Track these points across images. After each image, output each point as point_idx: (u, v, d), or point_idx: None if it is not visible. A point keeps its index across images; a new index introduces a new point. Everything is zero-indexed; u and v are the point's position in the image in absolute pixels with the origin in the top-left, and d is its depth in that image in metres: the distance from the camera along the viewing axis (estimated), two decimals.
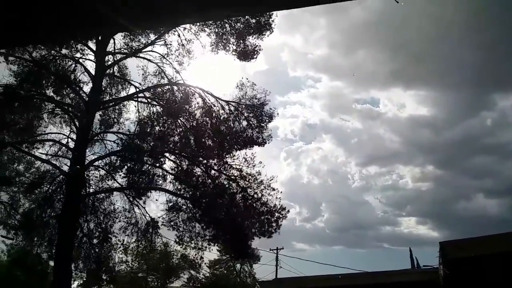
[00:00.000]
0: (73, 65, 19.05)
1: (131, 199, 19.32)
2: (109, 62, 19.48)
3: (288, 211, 18.19)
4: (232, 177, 18.25)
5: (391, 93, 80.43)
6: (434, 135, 77.41)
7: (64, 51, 18.69)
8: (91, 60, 19.22)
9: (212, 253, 22.49)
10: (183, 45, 19.28)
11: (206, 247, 18.57)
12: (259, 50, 19.07)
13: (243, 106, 18.52)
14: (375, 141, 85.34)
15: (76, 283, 22.09)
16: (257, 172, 18.06)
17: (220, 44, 18.83)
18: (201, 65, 20.91)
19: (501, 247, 7.41)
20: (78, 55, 19.04)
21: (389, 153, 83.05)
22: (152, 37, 19.24)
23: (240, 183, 18.17)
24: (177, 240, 18.62)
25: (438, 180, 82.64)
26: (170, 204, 18.34)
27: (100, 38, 18.29)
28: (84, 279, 21.75)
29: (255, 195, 17.90)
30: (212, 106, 18.60)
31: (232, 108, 18.62)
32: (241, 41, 18.78)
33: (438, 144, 75.96)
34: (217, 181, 18.41)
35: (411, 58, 71.49)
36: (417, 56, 68.98)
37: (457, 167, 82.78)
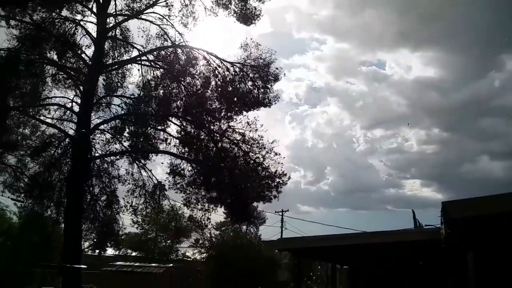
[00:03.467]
0: (74, 28, 18.82)
1: (137, 162, 19.56)
2: (111, 25, 19.22)
3: (289, 177, 18.23)
4: (235, 141, 18.28)
5: (398, 54, 79.17)
6: (441, 98, 76.76)
7: (64, 12, 18.44)
8: (92, 23, 19.00)
9: (218, 215, 22.84)
10: (186, 5, 18.97)
11: (212, 208, 18.89)
12: (261, 14, 18.78)
13: (248, 67, 18.31)
14: (381, 104, 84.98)
15: (86, 243, 22.60)
16: (259, 136, 18.08)
17: (220, 4, 18.50)
18: (204, 29, 20.57)
19: (502, 207, 7.45)
20: (79, 17, 18.82)
21: (394, 116, 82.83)
22: None
23: (242, 147, 18.21)
24: (184, 202, 18.97)
25: (444, 143, 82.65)
26: (172, 168, 18.55)
27: None
28: (94, 240, 22.24)
29: (257, 160, 17.96)
30: (217, 68, 18.43)
31: (237, 70, 18.43)
32: (242, 3, 18.41)
33: (445, 106, 75.43)
34: (220, 145, 18.47)
35: (419, 18, 69.88)
36: (426, 17, 67.33)
37: (464, 129, 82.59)
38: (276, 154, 17.87)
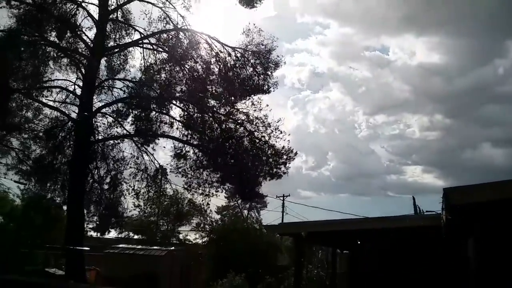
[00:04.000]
0: (76, 9, 18.67)
1: (139, 146, 19.60)
2: (113, 7, 19.04)
3: (296, 153, 18.25)
4: (239, 121, 18.26)
5: (402, 39, 78.37)
6: (444, 84, 76.23)
7: None
8: (94, 4, 18.83)
9: (220, 199, 22.93)
10: None
11: (213, 193, 18.97)
12: None
13: (250, 52, 18.19)
14: (384, 89, 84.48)
15: (88, 226, 22.76)
16: (264, 116, 18.07)
17: None
18: (207, 12, 20.37)
19: (504, 193, 7.44)
20: None
21: (397, 102, 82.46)
22: None
23: (247, 127, 18.20)
24: (185, 186, 19.04)
25: (446, 129, 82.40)
26: (176, 151, 18.57)
27: None
28: (97, 223, 22.42)
29: (263, 138, 17.97)
30: (219, 52, 18.30)
31: (238, 55, 18.31)
32: None
33: (448, 92, 74.96)
34: (224, 126, 18.45)
35: (424, 3, 68.93)
36: (431, 1, 66.42)
37: (467, 116, 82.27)
38: (281, 132, 17.95)
